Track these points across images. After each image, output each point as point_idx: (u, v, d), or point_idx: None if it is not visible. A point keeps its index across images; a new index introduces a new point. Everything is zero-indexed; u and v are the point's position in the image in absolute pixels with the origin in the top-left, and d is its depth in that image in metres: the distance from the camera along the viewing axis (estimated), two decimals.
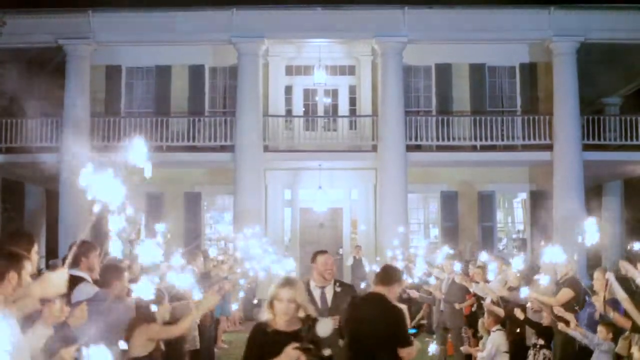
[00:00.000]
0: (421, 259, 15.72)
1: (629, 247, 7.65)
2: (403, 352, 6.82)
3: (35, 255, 5.71)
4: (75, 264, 6.81)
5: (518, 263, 12.05)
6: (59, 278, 4.78)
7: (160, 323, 6.98)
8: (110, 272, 6.93)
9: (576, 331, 9.31)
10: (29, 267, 5.06)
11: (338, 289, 8.08)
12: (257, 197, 24.37)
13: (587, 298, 10.06)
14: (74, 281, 6.90)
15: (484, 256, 13.24)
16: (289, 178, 26.68)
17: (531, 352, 10.78)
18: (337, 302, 7.90)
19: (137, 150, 4.61)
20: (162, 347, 6.98)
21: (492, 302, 11.91)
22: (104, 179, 4.37)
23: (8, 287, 4.83)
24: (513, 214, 28.19)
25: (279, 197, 26.72)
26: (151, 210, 24.79)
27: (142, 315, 6.80)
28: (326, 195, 25.84)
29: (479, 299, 13.17)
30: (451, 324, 12.87)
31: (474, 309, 13.82)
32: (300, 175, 26.49)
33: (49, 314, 5.13)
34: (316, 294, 8.01)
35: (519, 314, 11.19)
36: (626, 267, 7.39)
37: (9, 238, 5.65)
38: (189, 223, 25.80)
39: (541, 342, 10.65)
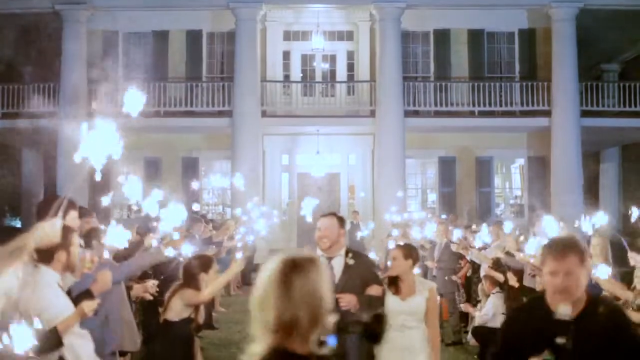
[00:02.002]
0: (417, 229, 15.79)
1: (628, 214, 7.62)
2: None
3: (75, 221, 5.75)
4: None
5: (510, 228, 12.15)
6: (52, 228, 4.81)
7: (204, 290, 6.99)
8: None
9: None
10: (77, 240, 5.19)
11: (350, 261, 6.66)
12: (255, 162, 24.37)
13: None
14: None
15: (484, 230, 13.20)
16: (286, 143, 26.67)
17: None
18: (347, 277, 6.59)
19: (133, 96, 4.57)
20: (200, 318, 7.00)
21: (490, 267, 11.99)
22: (98, 135, 4.37)
23: (58, 265, 4.97)
24: (511, 179, 28.24)
25: (276, 163, 26.74)
26: (149, 175, 24.80)
27: (188, 280, 6.86)
28: (324, 160, 25.85)
29: (473, 264, 13.25)
30: (444, 290, 12.93)
31: (468, 274, 13.91)
32: (297, 140, 26.48)
33: (81, 265, 5.29)
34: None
35: (512, 279, 11.27)
36: (636, 259, 7.46)
37: (45, 204, 5.66)
38: (186, 188, 25.83)
39: None
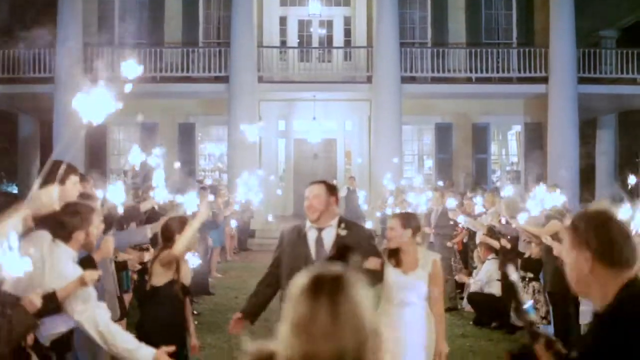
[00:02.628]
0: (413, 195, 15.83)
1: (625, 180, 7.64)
2: None
3: (76, 186, 5.74)
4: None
5: (505, 195, 12.21)
6: (48, 195, 4.83)
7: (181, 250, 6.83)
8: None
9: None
10: (97, 220, 5.26)
11: (342, 232, 6.09)
12: (252, 128, 24.33)
13: None
14: None
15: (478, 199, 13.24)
16: (283, 109, 26.61)
17: (520, 285, 10.93)
18: (339, 249, 5.88)
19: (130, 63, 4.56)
20: (183, 278, 6.92)
21: (485, 234, 12.06)
22: (93, 96, 4.37)
23: (75, 245, 5.04)
24: (507, 146, 28.25)
25: (273, 128, 26.70)
26: (145, 141, 24.76)
27: (166, 242, 6.76)
28: (320, 126, 25.82)
29: (469, 230, 13.30)
30: (441, 256, 12.94)
31: (465, 240, 13.97)
32: (294, 106, 26.42)
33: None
34: (311, 236, 6.17)
35: (504, 243, 11.34)
36: None
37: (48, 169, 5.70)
38: (183, 154, 25.85)
39: (530, 275, 10.78)
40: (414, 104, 25.13)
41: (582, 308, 9.40)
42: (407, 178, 19.56)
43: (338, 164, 27.08)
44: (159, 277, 6.60)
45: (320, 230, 6.14)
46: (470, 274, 12.75)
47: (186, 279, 6.81)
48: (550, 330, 10.83)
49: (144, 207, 8.01)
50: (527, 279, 10.81)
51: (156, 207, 8.57)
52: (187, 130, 26.62)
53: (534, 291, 10.69)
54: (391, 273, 6.46)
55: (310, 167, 26.46)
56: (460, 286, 13.26)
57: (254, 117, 24.56)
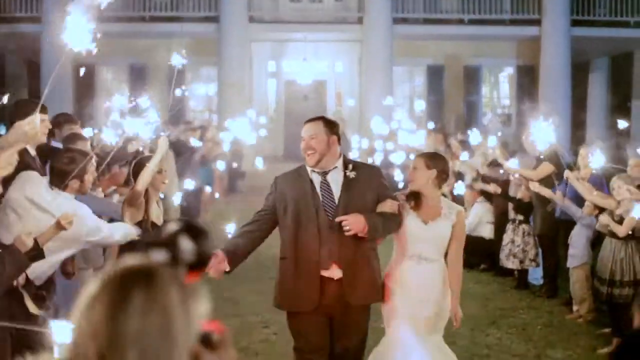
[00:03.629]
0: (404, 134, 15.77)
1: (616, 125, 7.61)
2: None
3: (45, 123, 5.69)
4: (51, 134, 6.82)
5: (495, 139, 12.18)
6: (29, 125, 4.81)
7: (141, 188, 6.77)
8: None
9: (563, 202, 9.40)
10: (92, 167, 5.60)
11: (351, 174, 5.46)
12: (242, 69, 24.14)
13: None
14: (51, 153, 6.97)
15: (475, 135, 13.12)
16: (273, 50, 26.38)
17: (510, 227, 10.94)
18: (349, 194, 5.45)
19: None
20: (153, 219, 6.89)
21: (474, 179, 12.05)
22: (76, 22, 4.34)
23: (70, 190, 5.27)
24: (499, 88, 28.14)
25: (263, 69, 26.48)
26: (134, 81, 24.56)
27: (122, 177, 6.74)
28: (311, 67, 25.63)
29: (459, 174, 13.26)
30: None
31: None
32: (285, 47, 26.18)
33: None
34: (316, 181, 5.52)
35: (494, 188, 11.32)
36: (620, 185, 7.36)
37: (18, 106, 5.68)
38: (173, 95, 25.58)
39: (520, 217, 10.79)
40: (405, 46, 24.92)
41: (570, 251, 9.42)
42: (397, 120, 19.36)
43: (328, 106, 26.93)
44: (129, 219, 6.59)
45: (324, 174, 5.50)
46: None
47: (157, 218, 6.80)
48: (538, 273, 10.90)
49: (131, 148, 7.92)
50: (517, 222, 10.82)
51: (141, 149, 8.46)
52: (178, 71, 26.29)
53: (523, 233, 10.70)
54: (409, 220, 5.69)
55: (301, 108, 26.31)
56: None
57: (244, 58, 24.35)
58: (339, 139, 5.56)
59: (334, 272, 5.39)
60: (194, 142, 14.44)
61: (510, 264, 10.91)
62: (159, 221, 6.71)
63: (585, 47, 25.15)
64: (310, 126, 5.52)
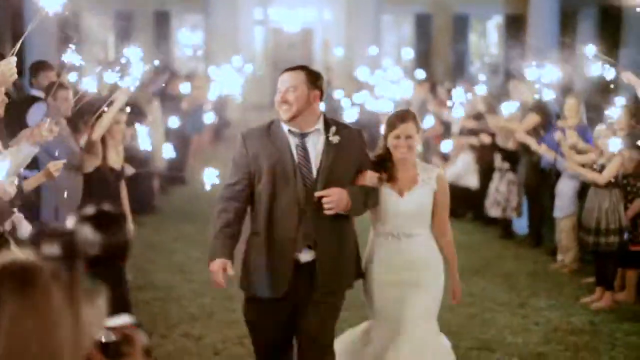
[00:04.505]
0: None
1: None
2: None
3: None
4: (30, 84, 6.83)
5: (483, 89, 12.14)
6: (7, 66, 4.82)
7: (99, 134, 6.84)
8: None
9: (546, 153, 9.42)
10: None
11: (334, 138, 4.67)
12: (229, 16, 23.88)
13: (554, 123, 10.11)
14: (29, 101, 6.94)
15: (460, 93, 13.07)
16: None
17: (496, 175, 10.98)
18: (331, 164, 4.67)
19: None
20: (111, 164, 6.91)
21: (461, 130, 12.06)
22: None
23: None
24: (487, 37, 28.00)
25: (249, 17, 26.22)
26: (119, 29, 24.26)
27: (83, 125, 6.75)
28: (298, 15, 25.40)
29: (447, 125, 13.23)
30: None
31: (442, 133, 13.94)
32: None
33: (38, 133, 5.32)
34: (292, 144, 4.69)
35: (484, 138, 11.33)
36: (629, 78, 7.28)
37: None
38: (158, 43, 25.38)
39: (506, 166, 10.81)
40: None
41: (557, 202, 9.47)
42: (383, 69, 19.23)
43: (315, 55, 26.73)
44: (86, 164, 6.64)
45: (302, 136, 4.69)
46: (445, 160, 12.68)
47: (116, 164, 6.83)
48: (523, 222, 10.95)
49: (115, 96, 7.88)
50: (503, 170, 10.85)
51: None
52: (163, 19, 26.07)
53: (508, 182, 10.74)
54: (383, 194, 4.97)
55: (287, 57, 26.08)
56: None
57: (231, 4, 24.09)
58: (322, 95, 4.74)
59: (305, 255, 4.66)
60: (182, 89, 14.32)
61: (494, 211, 10.98)
62: (117, 167, 6.87)
63: None
64: (289, 76, 4.69)
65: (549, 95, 9.72)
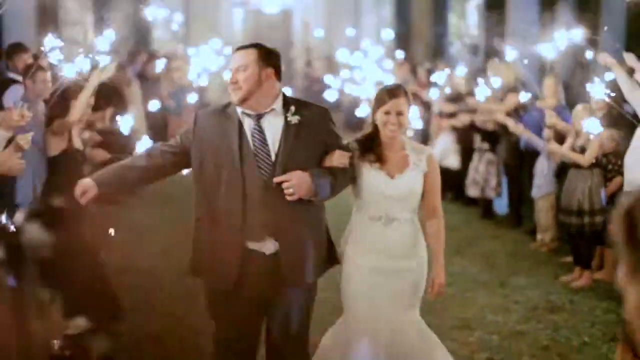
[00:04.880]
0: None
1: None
2: None
3: None
4: (6, 66, 6.79)
5: (462, 70, 12.21)
6: None
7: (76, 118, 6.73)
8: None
9: (523, 133, 9.48)
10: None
11: (293, 118, 4.36)
12: None
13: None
14: (5, 83, 6.89)
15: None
16: None
17: (476, 156, 11.04)
18: (291, 145, 4.35)
19: None
20: (76, 146, 6.83)
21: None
22: None
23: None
24: (467, 18, 27.97)
25: None
26: (98, 10, 24.09)
27: (57, 109, 6.63)
28: None
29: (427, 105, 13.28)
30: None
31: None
32: None
33: (9, 118, 5.27)
34: (247, 126, 4.40)
35: (463, 119, 11.39)
36: (605, 59, 7.32)
37: None
38: (136, 24, 25.17)
39: (486, 146, 10.87)
40: None
41: (535, 181, 9.53)
42: (364, 51, 19.19)
43: (295, 36, 26.62)
44: (53, 147, 6.55)
45: (258, 117, 4.37)
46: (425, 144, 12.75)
47: (79, 146, 6.78)
48: (503, 202, 11.03)
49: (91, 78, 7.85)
50: (482, 150, 10.91)
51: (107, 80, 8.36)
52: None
53: (487, 162, 10.80)
54: (371, 176, 4.70)
55: (267, 39, 25.93)
56: None
57: None
58: (278, 73, 4.41)
59: (267, 246, 4.32)
60: (159, 69, 14.22)
61: (472, 191, 11.07)
62: (80, 147, 6.75)
63: None
64: (239, 55, 4.40)
65: (527, 76, 9.77)
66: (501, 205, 11.09)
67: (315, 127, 4.43)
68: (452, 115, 11.81)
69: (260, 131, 4.36)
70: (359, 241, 4.76)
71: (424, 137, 13.01)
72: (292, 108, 4.39)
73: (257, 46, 4.43)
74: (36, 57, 7.37)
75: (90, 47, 7.35)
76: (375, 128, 4.74)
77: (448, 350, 4.95)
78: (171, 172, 4.61)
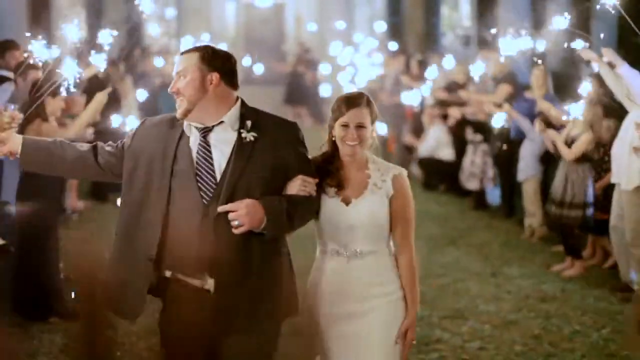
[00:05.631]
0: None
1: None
2: None
3: None
4: None
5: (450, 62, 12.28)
6: None
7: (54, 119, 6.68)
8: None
9: (516, 117, 9.58)
10: None
11: (248, 135, 3.64)
12: None
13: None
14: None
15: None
16: None
17: (470, 148, 11.09)
18: (242, 167, 3.62)
19: None
20: None
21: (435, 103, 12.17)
22: None
23: None
24: (459, 9, 27.98)
25: None
26: (90, 7, 24.07)
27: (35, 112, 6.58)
28: None
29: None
30: (392, 122, 12.95)
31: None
32: None
33: None
34: (193, 141, 3.71)
35: (454, 113, 11.43)
36: (587, 55, 7.38)
37: None
38: (129, 18, 25.11)
39: (479, 138, 10.92)
40: None
41: (520, 165, 9.61)
42: (356, 45, 19.16)
43: (288, 30, 26.59)
44: None
45: (205, 132, 3.67)
46: (418, 137, 12.76)
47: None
48: (496, 193, 11.09)
49: (86, 74, 7.83)
50: (476, 142, 10.97)
51: (99, 75, 8.41)
52: None
53: (483, 154, 10.86)
54: (327, 203, 3.90)
55: (260, 33, 25.96)
56: (409, 150, 13.22)
57: None
58: (230, 79, 3.73)
59: (206, 282, 3.61)
60: (156, 65, 14.19)
61: (471, 184, 11.11)
62: None
63: None
64: (180, 59, 3.73)
65: (518, 66, 9.86)
66: (494, 196, 11.15)
67: (276, 147, 3.67)
68: (444, 104, 11.85)
69: (206, 147, 3.66)
70: (320, 282, 3.97)
71: (417, 129, 13.08)
72: (249, 123, 3.67)
73: (200, 49, 3.74)
74: (27, 54, 7.36)
75: (84, 45, 7.36)
76: (334, 145, 3.93)
77: (440, 339, 4.97)
78: (104, 175, 3.86)
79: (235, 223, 3.52)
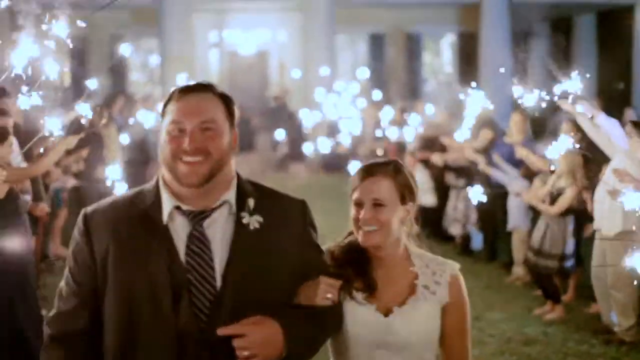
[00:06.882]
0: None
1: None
2: None
3: None
4: None
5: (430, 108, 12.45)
6: None
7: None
8: None
9: (492, 173, 9.67)
10: None
11: (252, 221, 2.55)
12: (184, 39, 23.84)
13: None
14: None
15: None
16: (214, 20, 26.11)
17: (453, 193, 11.16)
18: (244, 269, 2.52)
19: None
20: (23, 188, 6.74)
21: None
22: None
23: None
24: (441, 55, 28.30)
25: (205, 40, 26.24)
26: (75, 54, 24.21)
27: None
28: (253, 37, 25.50)
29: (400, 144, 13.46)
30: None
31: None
32: (226, 16, 25.91)
33: None
34: (179, 231, 2.54)
35: (436, 160, 11.50)
36: (565, 106, 7.49)
37: None
38: (115, 67, 25.24)
39: (462, 183, 10.98)
40: (346, 14, 24.84)
41: (509, 215, 9.67)
42: (337, 93, 19.23)
43: (272, 78, 26.74)
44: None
45: (200, 218, 2.56)
46: None
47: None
48: (480, 239, 11.13)
49: (67, 118, 7.88)
50: (458, 187, 11.04)
51: (82, 121, 8.45)
52: (118, 43, 25.89)
53: (465, 199, 10.92)
54: (354, 313, 2.83)
55: (244, 80, 26.09)
56: None
57: (186, 27, 24.08)
58: (234, 140, 2.65)
59: None
60: (139, 115, 14.20)
61: (454, 229, 11.16)
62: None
63: (525, 12, 25.35)
64: (201, 100, 2.57)
65: (496, 112, 10.01)
66: (478, 242, 11.20)
67: (289, 237, 2.65)
68: (426, 147, 11.96)
69: (201, 241, 2.54)
70: None
71: None
72: (251, 203, 2.60)
73: (218, 93, 2.63)
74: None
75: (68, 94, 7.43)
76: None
77: None
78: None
79: (245, 354, 2.43)
